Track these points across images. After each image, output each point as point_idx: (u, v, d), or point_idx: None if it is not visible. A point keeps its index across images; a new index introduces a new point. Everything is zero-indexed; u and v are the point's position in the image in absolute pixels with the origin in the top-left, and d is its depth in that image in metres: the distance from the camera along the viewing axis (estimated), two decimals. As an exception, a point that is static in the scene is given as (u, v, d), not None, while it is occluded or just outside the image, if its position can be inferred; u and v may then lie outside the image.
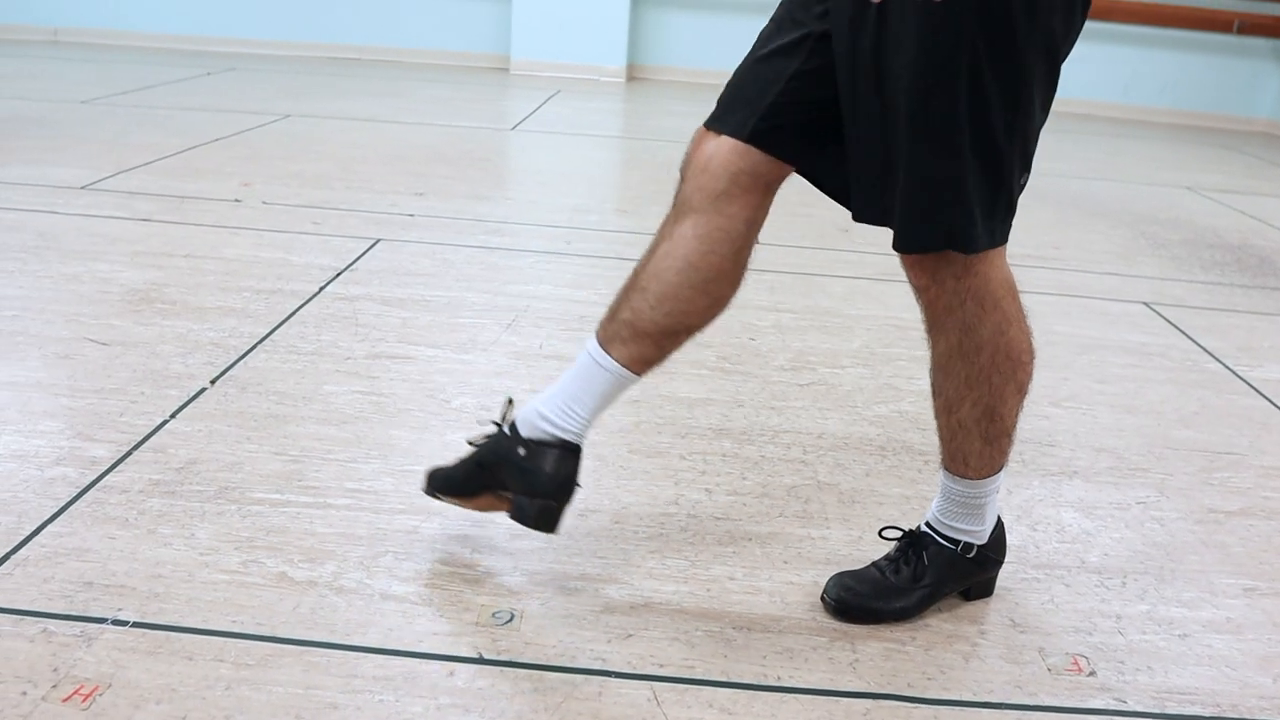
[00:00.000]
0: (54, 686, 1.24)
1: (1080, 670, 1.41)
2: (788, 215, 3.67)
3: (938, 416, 1.45)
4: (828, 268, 3.12)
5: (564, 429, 1.43)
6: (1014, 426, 1.44)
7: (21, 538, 1.53)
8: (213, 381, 2.07)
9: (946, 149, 1.23)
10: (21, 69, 6.25)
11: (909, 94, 1.22)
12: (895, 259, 3.22)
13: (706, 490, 1.79)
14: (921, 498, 1.82)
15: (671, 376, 2.20)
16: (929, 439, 2.03)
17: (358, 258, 2.89)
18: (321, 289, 2.62)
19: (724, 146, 1.36)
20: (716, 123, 1.39)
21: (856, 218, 1.36)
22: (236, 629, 1.36)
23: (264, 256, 2.86)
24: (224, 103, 5.41)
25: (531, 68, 7.53)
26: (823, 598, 1.49)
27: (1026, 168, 1.31)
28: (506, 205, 3.62)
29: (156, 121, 4.77)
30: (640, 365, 1.43)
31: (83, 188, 3.50)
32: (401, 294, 2.62)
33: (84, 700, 1.23)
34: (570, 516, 1.66)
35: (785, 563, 1.60)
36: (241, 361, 2.17)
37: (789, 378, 2.28)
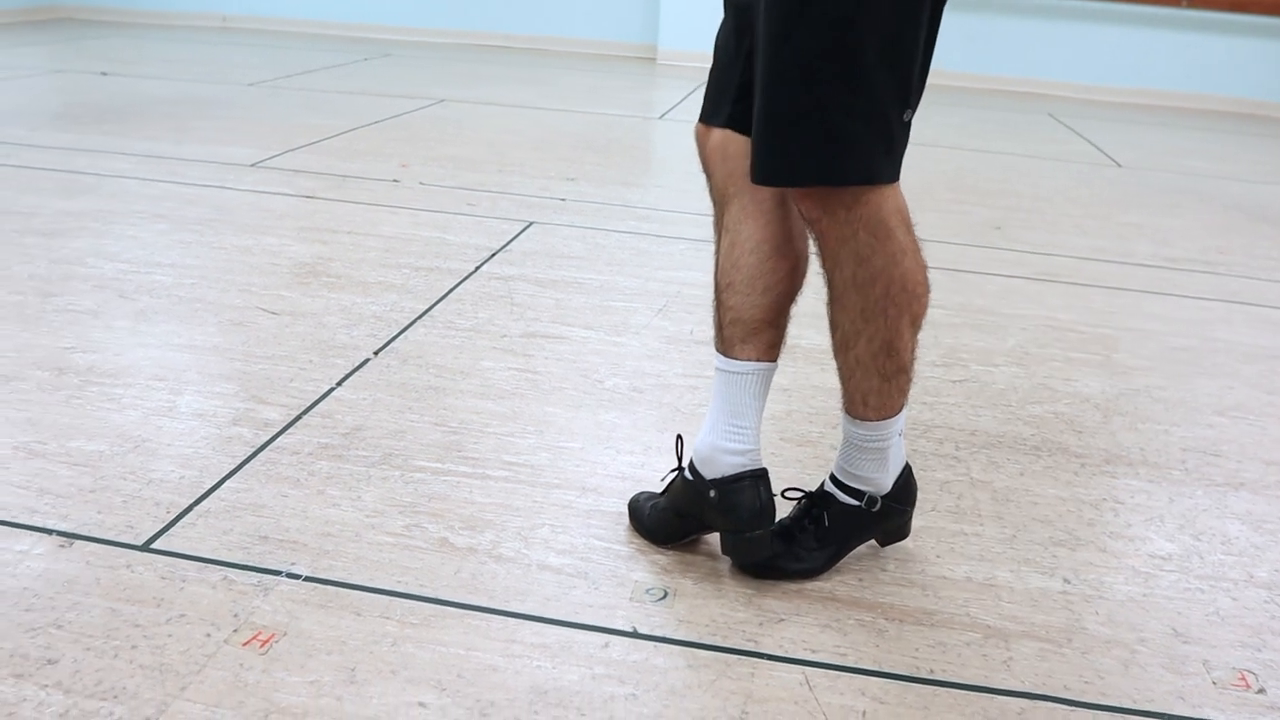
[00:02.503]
0: (235, 631, 1.32)
1: (1248, 686, 1.36)
2: (940, 212, 3.62)
3: (836, 355, 1.44)
4: (981, 265, 3.06)
5: (742, 452, 1.44)
6: (911, 364, 1.42)
7: (203, 491, 1.62)
8: (376, 353, 2.15)
9: (807, 78, 1.23)
10: (195, 54, 6.56)
11: (769, 22, 1.23)
12: (1051, 259, 3.13)
13: (857, 481, 1.78)
14: (1077, 500, 1.78)
15: (822, 368, 2.20)
16: (1086, 442, 1.98)
17: (512, 239, 2.96)
18: (477, 268, 2.70)
19: (729, 134, 1.42)
20: (709, 117, 1.44)
21: (752, 178, 1.34)
22: (401, 589, 1.42)
23: (422, 235, 2.95)
24: (380, 87, 5.58)
25: (678, 58, 7.56)
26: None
27: (907, 102, 1.28)
28: (656, 192, 3.65)
29: (318, 104, 4.96)
30: (772, 351, 1.45)
31: (252, 165, 3.67)
32: (555, 276, 2.67)
33: (262, 646, 1.29)
34: (721, 500, 1.68)
35: (938, 557, 1.58)
36: (402, 335, 2.24)
37: (941, 374, 2.25)
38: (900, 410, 1.45)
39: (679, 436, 1.55)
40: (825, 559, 1.50)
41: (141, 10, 8.45)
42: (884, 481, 1.49)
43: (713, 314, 1.48)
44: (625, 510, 1.63)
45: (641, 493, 1.61)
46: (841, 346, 1.42)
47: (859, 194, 1.30)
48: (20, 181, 3.32)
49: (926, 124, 5.56)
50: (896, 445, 1.48)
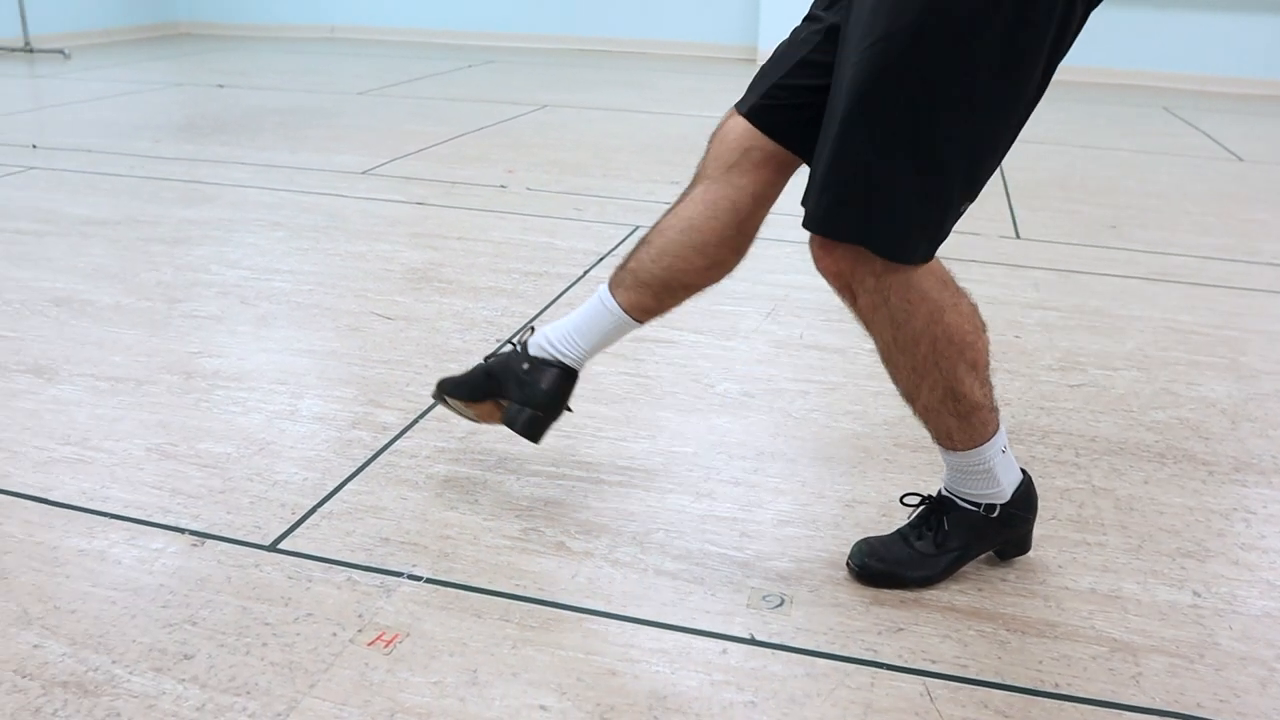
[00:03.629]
0: (360, 631, 1.35)
1: (1396, 707, 1.30)
2: (1051, 211, 3.53)
3: (906, 403, 1.43)
4: (1095, 265, 2.98)
5: (565, 354, 1.58)
6: (986, 398, 1.40)
7: (326, 493, 1.67)
8: (488, 358, 2.17)
9: (883, 143, 1.21)
10: (305, 64, 6.74)
11: (858, 73, 1.21)
12: (1170, 258, 3.03)
13: (974, 488, 1.74)
14: (1205, 509, 1.72)
15: (935, 371, 2.16)
16: (1213, 449, 1.92)
17: (618, 243, 2.98)
18: (585, 273, 2.72)
19: (741, 122, 1.45)
20: (739, 103, 1.48)
21: (804, 205, 1.32)
22: (520, 592, 1.44)
23: (530, 240, 2.98)
24: (485, 93, 5.66)
25: (777, 58, 7.51)
26: (848, 563, 1.50)
27: (970, 194, 1.27)
28: (759, 195, 3.63)
29: (425, 111, 5.05)
30: (640, 312, 1.55)
31: (363, 173, 3.75)
32: (661, 280, 2.68)
33: (386, 645, 1.32)
34: (836, 506, 1.67)
35: (1060, 567, 1.54)
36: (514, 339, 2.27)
37: (1057, 378, 2.20)
38: (993, 434, 1.43)
39: (531, 327, 1.69)
40: (944, 566, 1.48)
41: (253, 24, 8.71)
42: (1000, 493, 1.47)
43: (631, 250, 1.56)
44: (739, 516, 1.63)
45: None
46: (908, 399, 1.42)
47: (889, 264, 1.28)
48: (147, 192, 3.45)
49: (1035, 121, 5.42)
50: (1002, 460, 1.46)
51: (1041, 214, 3.49)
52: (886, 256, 1.27)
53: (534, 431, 1.59)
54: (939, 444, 1.45)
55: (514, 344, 1.63)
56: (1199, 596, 1.49)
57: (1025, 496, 1.50)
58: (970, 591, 1.48)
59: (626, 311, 1.54)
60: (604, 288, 1.56)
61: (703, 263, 1.48)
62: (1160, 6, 7.11)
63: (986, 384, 1.40)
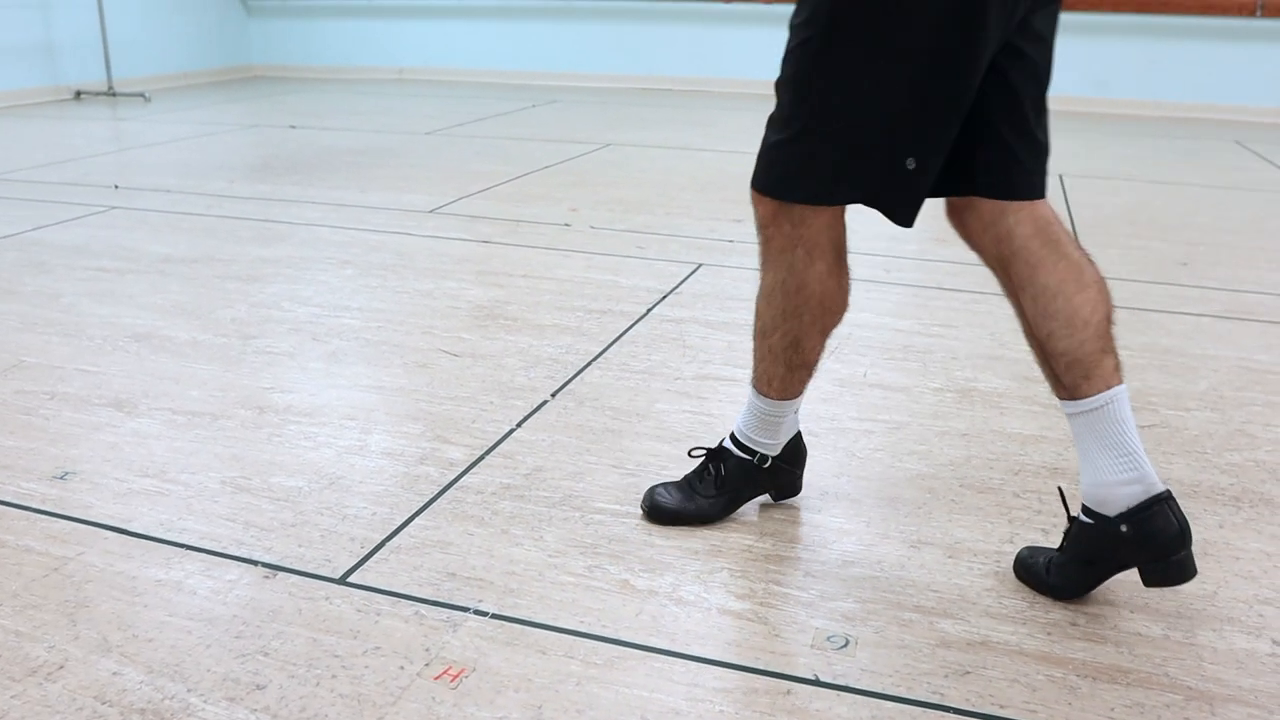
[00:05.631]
0: (426, 665, 1.36)
1: None
2: (1120, 248, 3.49)
3: (755, 338, 1.62)
4: (1166, 304, 2.93)
5: (1137, 480, 1.44)
6: (815, 362, 1.61)
7: (394, 527, 1.69)
8: (553, 395, 2.20)
9: (787, 90, 1.43)
10: (375, 104, 6.89)
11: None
12: (1244, 296, 3.00)
13: (1043, 530, 1.72)
14: (1284, 555, 1.68)
15: (1002, 412, 2.14)
16: (1291, 492, 1.87)
17: (681, 281, 3.00)
18: (649, 310, 2.74)
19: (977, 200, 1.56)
20: None
21: None
22: (584, 629, 1.44)
23: (594, 278, 3.01)
24: (549, 133, 5.74)
25: (840, 96, 7.52)
26: (642, 507, 1.73)
27: (900, 147, 1.38)
28: (822, 233, 3.63)
29: (490, 150, 5.13)
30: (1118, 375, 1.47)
31: (430, 211, 3.82)
32: (725, 318, 2.69)
33: (452, 680, 1.34)
34: (901, 547, 1.66)
35: (1131, 612, 1.52)
36: (578, 377, 2.30)
37: (1128, 418, 2.16)
38: (798, 395, 1.64)
39: (1060, 488, 1.61)
40: (722, 505, 1.70)
41: (324, 66, 8.94)
42: (775, 447, 1.69)
43: (1044, 368, 1.50)
44: (802, 556, 1.62)
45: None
46: (761, 333, 1.60)
47: (805, 217, 1.48)
48: (222, 231, 3.54)
49: (1102, 156, 5.38)
50: (790, 421, 1.68)
51: (1109, 251, 3.45)
52: (759, 189, 1.50)
53: (1190, 573, 1.45)
54: (755, 386, 1.65)
55: (1076, 516, 1.51)
56: (1278, 645, 1.45)
57: (793, 452, 1.73)
58: (1039, 635, 1.46)
59: (1111, 387, 1.45)
60: (1074, 405, 1.46)
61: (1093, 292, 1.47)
62: (1233, 40, 7.01)
63: (821, 351, 1.61)
